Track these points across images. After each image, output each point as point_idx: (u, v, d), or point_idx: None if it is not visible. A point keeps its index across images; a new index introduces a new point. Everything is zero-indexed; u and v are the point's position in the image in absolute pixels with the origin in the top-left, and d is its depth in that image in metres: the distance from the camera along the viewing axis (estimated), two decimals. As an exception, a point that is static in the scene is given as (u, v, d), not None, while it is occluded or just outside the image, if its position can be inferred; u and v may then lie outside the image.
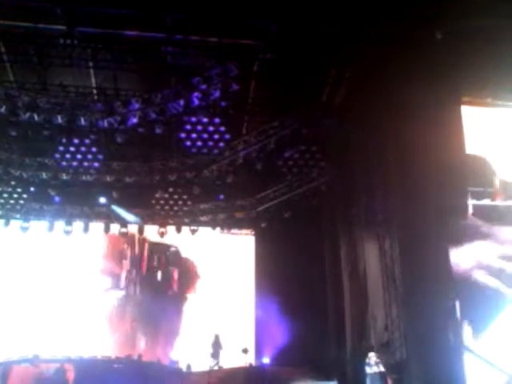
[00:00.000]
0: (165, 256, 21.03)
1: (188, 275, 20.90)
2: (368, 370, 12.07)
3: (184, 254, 21.08)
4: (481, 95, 13.35)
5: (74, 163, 15.73)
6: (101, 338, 19.50)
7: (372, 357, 12.10)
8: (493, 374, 10.94)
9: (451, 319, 11.12)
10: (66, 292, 19.66)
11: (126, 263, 20.74)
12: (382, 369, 11.93)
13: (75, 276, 19.92)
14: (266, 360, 18.11)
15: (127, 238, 20.53)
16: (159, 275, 20.78)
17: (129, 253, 20.85)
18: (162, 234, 20.24)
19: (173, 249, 21.06)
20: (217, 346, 17.31)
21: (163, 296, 20.45)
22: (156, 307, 20.00)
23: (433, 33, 12.48)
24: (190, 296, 20.49)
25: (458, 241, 11.61)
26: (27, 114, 14.65)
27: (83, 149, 15.60)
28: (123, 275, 20.57)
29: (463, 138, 12.61)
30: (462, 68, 12.40)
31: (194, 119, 15.05)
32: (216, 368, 16.72)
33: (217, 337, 17.56)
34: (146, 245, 20.98)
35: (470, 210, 12.18)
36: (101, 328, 19.71)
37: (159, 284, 20.68)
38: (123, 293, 20.43)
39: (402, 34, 12.44)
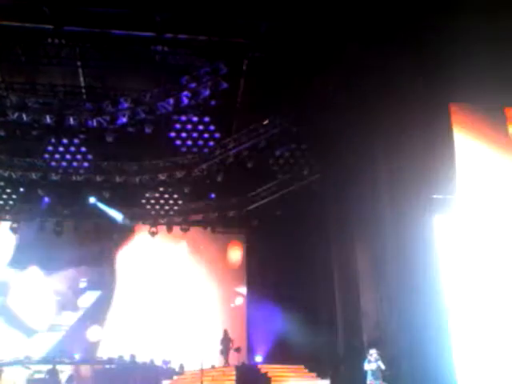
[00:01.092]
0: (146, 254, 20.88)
1: (174, 272, 20.76)
2: (367, 366, 12.11)
3: (172, 251, 20.95)
4: (472, 95, 13.36)
5: (64, 163, 15.57)
6: (87, 338, 19.40)
7: (373, 353, 12.13)
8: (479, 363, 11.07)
9: (441, 315, 11.20)
10: (53, 292, 19.73)
11: (106, 262, 20.63)
12: (382, 365, 11.96)
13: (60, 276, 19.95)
14: (259, 358, 18.16)
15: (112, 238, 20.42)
16: (140, 273, 20.59)
17: (109, 252, 20.69)
18: (152, 234, 20.15)
19: (158, 247, 20.87)
20: (226, 342, 17.30)
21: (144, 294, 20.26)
22: (140, 306, 19.90)
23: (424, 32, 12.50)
24: (180, 294, 20.35)
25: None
26: (16, 114, 14.59)
27: (72, 149, 15.45)
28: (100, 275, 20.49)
29: (452, 137, 12.67)
30: (453, 67, 12.43)
31: (183, 118, 14.94)
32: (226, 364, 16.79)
33: (226, 332, 17.52)
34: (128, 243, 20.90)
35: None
36: (84, 328, 19.61)
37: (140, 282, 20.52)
38: (100, 292, 20.33)
39: (393, 34, 12.47)
